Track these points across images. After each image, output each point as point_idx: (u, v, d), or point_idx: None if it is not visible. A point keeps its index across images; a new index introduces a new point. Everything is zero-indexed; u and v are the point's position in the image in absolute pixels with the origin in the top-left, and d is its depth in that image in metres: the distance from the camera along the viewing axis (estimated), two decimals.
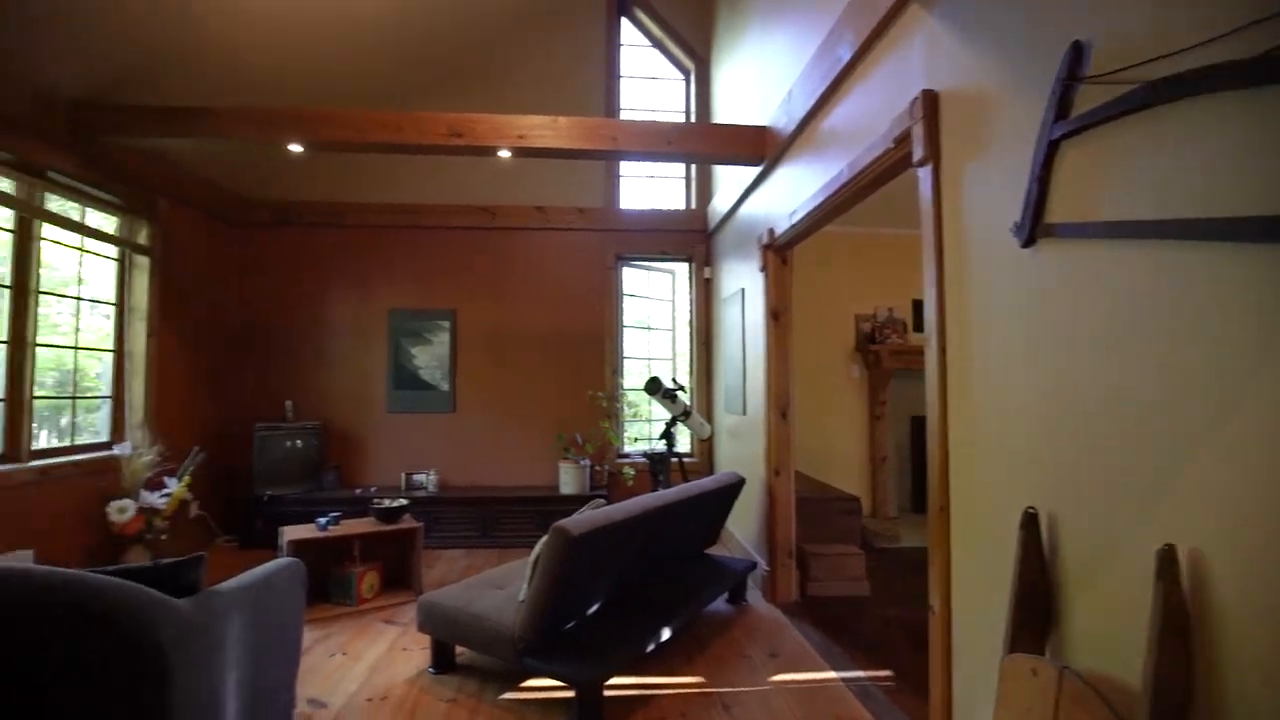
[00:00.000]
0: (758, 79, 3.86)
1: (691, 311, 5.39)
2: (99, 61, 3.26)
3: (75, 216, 3.54)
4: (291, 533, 3.27)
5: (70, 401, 3.58)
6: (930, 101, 1.87)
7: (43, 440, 3.42)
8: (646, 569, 2.99)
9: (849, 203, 2.67)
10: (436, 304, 5.08)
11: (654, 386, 4.09)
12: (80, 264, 3.60)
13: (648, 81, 5.56)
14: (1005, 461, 1.56)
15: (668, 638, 2.67)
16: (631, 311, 5.46)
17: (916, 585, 2.25)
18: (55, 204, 3.46)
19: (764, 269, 3.58)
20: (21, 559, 2.93)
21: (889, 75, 2.17)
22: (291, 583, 2.27)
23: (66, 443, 3.53)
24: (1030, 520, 1.40)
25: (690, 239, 5.28)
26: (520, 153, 3.60)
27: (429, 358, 5.04)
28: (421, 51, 4.57)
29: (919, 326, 4.98)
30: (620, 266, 5.32)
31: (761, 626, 3.12)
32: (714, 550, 3.82)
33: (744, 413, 4.10)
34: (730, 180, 4.34)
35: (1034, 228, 1.42)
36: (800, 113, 2.90)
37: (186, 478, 3.77)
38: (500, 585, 2.68)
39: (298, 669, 2.32)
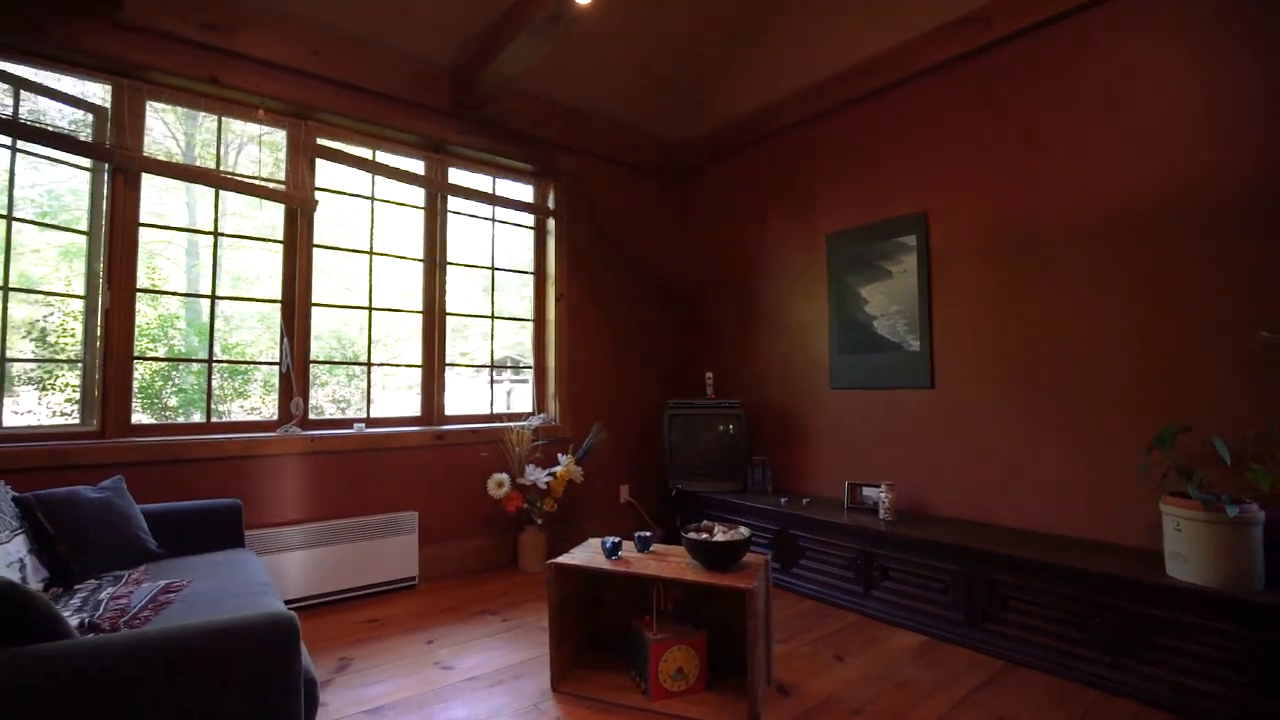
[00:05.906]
0: None
1: None
2: (464, 25, 3.08)
3: (485, 188, 3.55)
4: (575, 553, 2.20)
5: (488, 370, 3.58)
6: None
7: (470, 408, 3.50)
8: None
9: None
10: (893, 209, 3.11)
11: None
12: (493, 235, 3.59)
13: None
14: None
15: None
16: None
17: None
18: (466, 179, 3.53)
19: None
20: (404, 520, 2.93)
21: None
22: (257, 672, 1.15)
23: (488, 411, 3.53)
24: None
25: None
26: None
27: (886, 299, 3.11)
28: None
29: None
30: None
31: None
32: None
33: None
34: None
35: None
36: None
37: (570, 455, 3.27)
38: None
39: None
